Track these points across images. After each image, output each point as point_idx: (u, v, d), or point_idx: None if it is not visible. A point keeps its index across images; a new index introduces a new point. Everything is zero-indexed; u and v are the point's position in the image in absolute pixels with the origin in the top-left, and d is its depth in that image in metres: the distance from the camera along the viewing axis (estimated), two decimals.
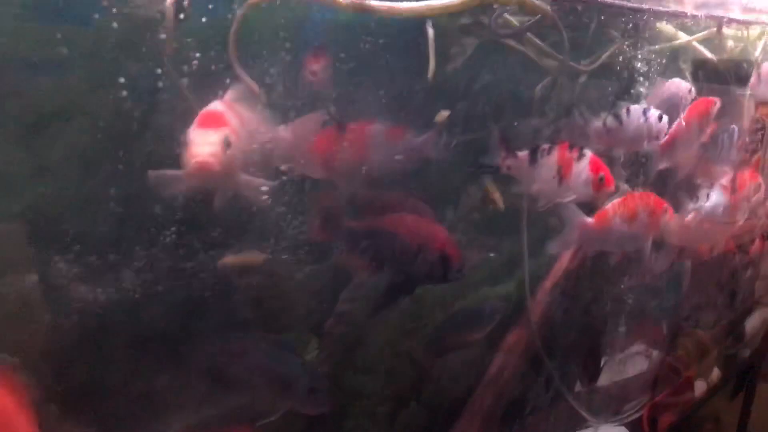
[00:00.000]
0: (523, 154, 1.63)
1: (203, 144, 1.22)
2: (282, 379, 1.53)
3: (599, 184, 1.62)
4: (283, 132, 1.45)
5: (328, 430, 1.88)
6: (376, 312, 1.68)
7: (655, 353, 2.40)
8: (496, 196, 1.88)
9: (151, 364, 1.47)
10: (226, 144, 1.25)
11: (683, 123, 2.01)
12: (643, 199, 1.79)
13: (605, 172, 1.63)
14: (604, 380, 2.32)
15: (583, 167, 1.62)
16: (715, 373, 2.79)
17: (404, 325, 1.94)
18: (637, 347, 2.44)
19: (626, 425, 2.20)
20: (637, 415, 2.20)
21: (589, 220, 1.73)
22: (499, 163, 1.62)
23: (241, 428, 1.64)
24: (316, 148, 1.50)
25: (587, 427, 2.17)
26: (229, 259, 1.93)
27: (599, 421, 2.18)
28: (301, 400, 1.52)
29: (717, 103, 2.10)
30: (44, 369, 1.34)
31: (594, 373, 2.21)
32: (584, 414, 2.17)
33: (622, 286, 2.24)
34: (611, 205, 1.75)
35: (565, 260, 2.12)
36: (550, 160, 1.62)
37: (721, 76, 2.32)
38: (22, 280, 1.35)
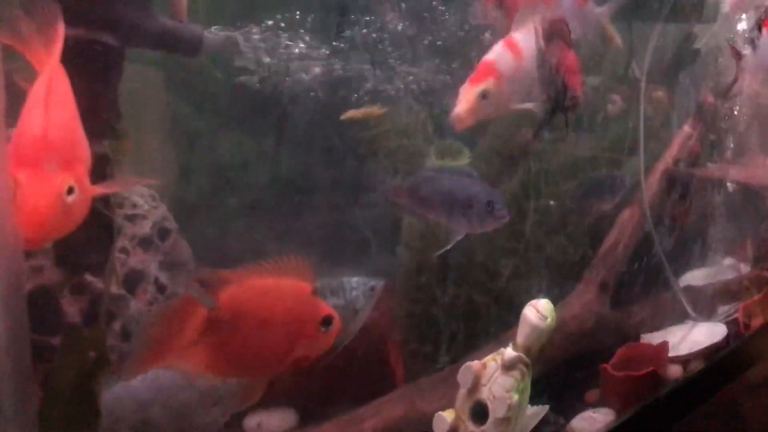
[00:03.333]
0: None
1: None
2: (462, 198, 1.55)
3: None
4: None
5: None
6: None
7: (744, 266, 2.46)
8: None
9: None
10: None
11: None
12: None
13: None
14: (701, 281, 2.37)
15: None
16: None
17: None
18: (729, 260, 2.51)
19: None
20: (732, 317, 2.24)
21: None
22: None
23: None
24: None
25: (687, 321, 2.20)
26: (352, 112, 1.99)
27: (699, 318, 2.21)
28: (480, 216, 1.54)
29: None
30: None
31: None
32: (687, 307, 2.20)
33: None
34: None
35: (675, 148, 2.22)
36: None
37: None
38: None
